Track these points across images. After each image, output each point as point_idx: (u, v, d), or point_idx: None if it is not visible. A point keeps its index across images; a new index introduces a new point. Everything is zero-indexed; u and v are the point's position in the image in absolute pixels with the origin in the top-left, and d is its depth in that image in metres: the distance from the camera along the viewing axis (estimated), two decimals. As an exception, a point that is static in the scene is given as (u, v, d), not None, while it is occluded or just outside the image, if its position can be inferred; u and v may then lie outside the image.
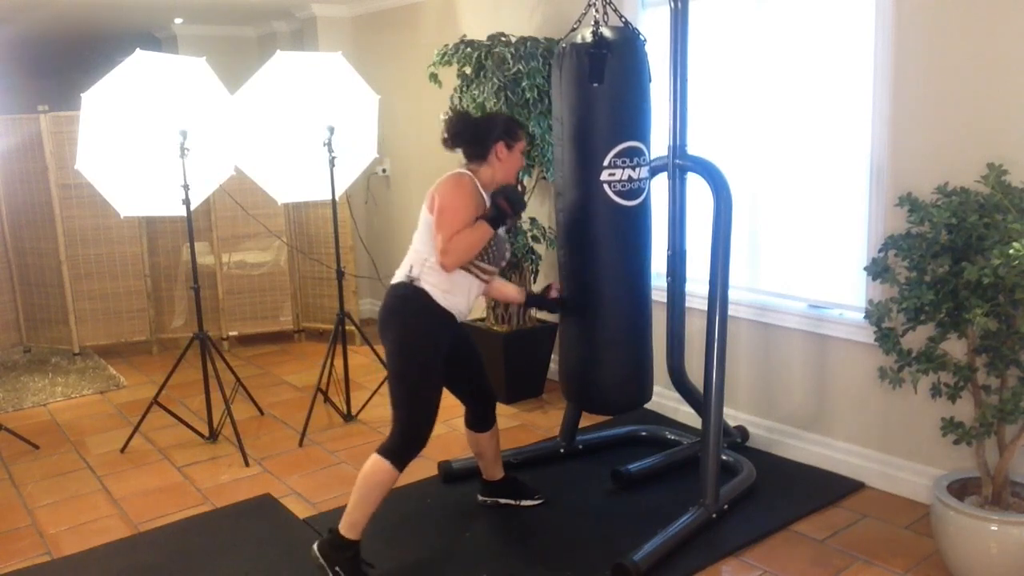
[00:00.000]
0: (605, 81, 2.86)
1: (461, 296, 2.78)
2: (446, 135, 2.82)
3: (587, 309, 3.05)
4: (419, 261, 2.74)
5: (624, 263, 3.03)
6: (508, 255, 2.90)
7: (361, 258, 5.95)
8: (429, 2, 5.42)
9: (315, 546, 2.77)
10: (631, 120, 2.94)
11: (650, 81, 3.00)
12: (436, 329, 2.77)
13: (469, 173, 2.76)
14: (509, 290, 3.07)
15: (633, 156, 2.93)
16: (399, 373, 2.73)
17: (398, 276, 2.79)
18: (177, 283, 5.70)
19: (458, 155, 2.88)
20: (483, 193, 2.77)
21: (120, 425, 4.36)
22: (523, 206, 2.76)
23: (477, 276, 2.80)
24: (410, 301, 2.73)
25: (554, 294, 3.08)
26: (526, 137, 2.90)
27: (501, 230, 2.77)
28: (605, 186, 2.92)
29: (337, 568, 2.71)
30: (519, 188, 2.74)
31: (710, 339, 3.18)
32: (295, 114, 4.07)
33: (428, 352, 2.75)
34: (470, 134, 2.80)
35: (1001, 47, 2.78)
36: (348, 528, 2.73)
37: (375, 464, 2.71)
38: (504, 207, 2.69)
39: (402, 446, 2.72)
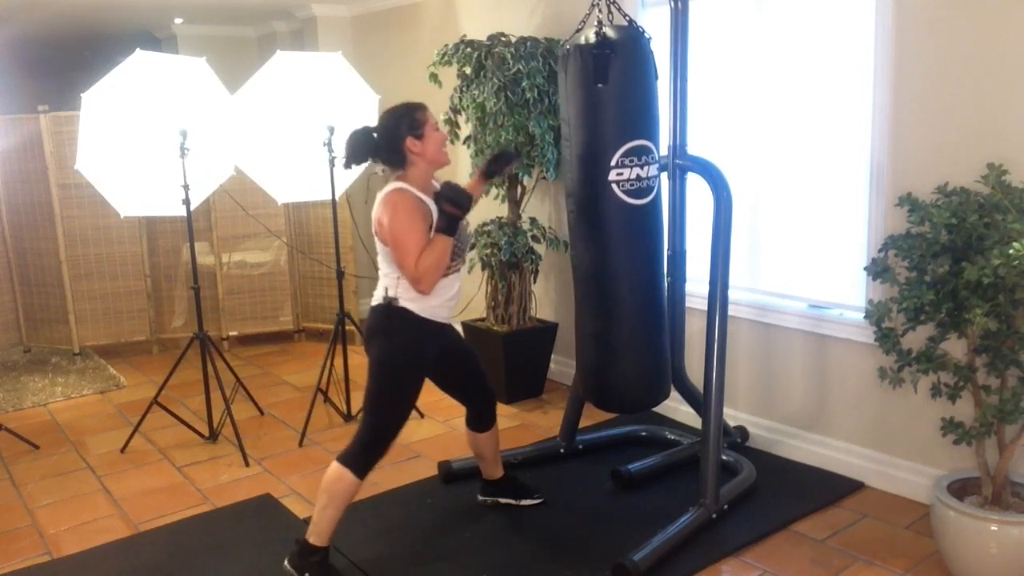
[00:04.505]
0: (610, 81, 2.85)
1: (441, 298, 2.75)
2: (349, 156, 2.71)
3: (602, 300, 3.05)
4: (392, 283, 2.72)
5: (636, 261, 3.01)
6: (471, 237, 2.81)
7: (361, 258, 5.94)
8: (429, 2, 5.43)
9: (285, 561, 2.79)
10: (638, 119, 2.92)
11: (656, 79, 2.99)
12: (420, 342, 2.76)
13: (401, 186, 2.67)
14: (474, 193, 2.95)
15: (641, 155, 2.91)
16: (377, 385, 2.74)
17: (376, 298, 2.77)
18: (177, 283, 5.70)
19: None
20: (422, 197, 2.68)
21: (120, 425, 4.36)
22: (469, 201, 2.65)
23: (450, 274, 2.75)
24: (393, 320, 2.72)
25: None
26: (427, 111, 2.74)
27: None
28: (614, 186, 2.90)
29: (307, 574, 2.73)
30: (460, 186, 2.66)
31: (710, 339, 3.18)
32: (295, 114, 4.07)
33: (409, 368, 2.75)
34: (373, 149, 2.71)
35: (1001, 47, 2.78)
36: (316, 537, 2.74)
37: (337, 472, 2.71)
38: (452, 212, 2.61)
39: (365, 454, 2.73)
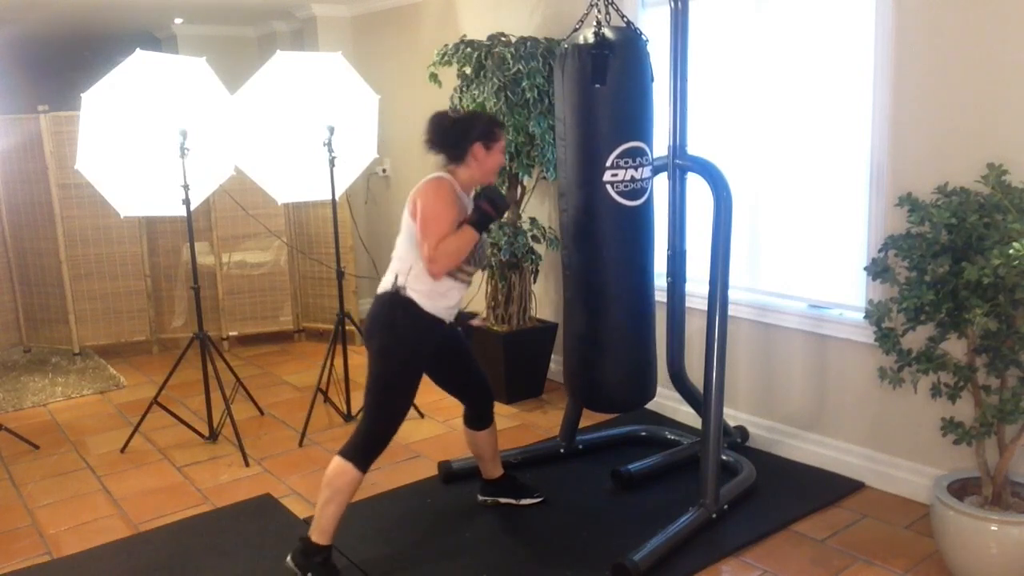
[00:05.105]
0: (607, 81, 2.86)
1: (447, 300, 2.77)
2: (429, 138, 2.77)
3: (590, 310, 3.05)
4: (404, 270, 2.73)
5: (628, 263, 3.02)
6: (488, 256, 2.86)
7: (361, 258, 5.95)
8: (429, 2, 5.43)
9: (288, 558, 2.79)
10: (633, 120, 2.94)
11: (652, 81, 3.00)
12: (421, 336, 2.77)
13: (447, 176, 2.74)
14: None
15: (636, 156, 2.92)
16: (378, 377, 2.74)
17: (384, 286, 2.78)
18: (177, 283, 5.70)
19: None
20: (462, 195, 2.76)
21: (120, 425, 4.36)
22: (506, 207, 2.73)
23: (460, 280, 2.79)
24: (397, 309, 2.73)
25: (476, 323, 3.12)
26: (507, 135, 2.86)
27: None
28: (608, 187, 2.91)
29: (309, 574, 2.73)
30: (500, 188, 2.71)
31: (710, 339, 3.18)
32: (295, 114, 4.07)
33: (409, 360, 2.76)
34: (447, 136, 2.76)
35: (1001, 47, 2.78)
36: (318, 534, 2.74)
37: (339, 467, 2.71)
38: (487, 210, 2.67)
39: (365, 447, 2.73)
